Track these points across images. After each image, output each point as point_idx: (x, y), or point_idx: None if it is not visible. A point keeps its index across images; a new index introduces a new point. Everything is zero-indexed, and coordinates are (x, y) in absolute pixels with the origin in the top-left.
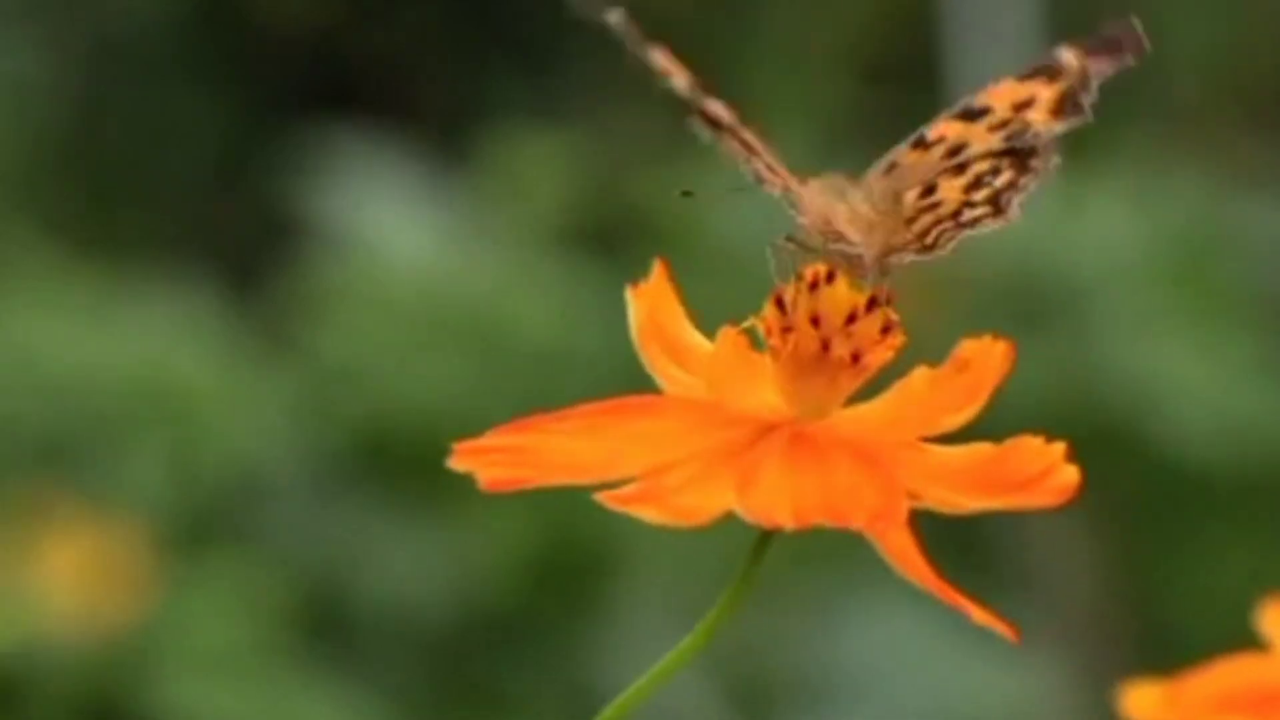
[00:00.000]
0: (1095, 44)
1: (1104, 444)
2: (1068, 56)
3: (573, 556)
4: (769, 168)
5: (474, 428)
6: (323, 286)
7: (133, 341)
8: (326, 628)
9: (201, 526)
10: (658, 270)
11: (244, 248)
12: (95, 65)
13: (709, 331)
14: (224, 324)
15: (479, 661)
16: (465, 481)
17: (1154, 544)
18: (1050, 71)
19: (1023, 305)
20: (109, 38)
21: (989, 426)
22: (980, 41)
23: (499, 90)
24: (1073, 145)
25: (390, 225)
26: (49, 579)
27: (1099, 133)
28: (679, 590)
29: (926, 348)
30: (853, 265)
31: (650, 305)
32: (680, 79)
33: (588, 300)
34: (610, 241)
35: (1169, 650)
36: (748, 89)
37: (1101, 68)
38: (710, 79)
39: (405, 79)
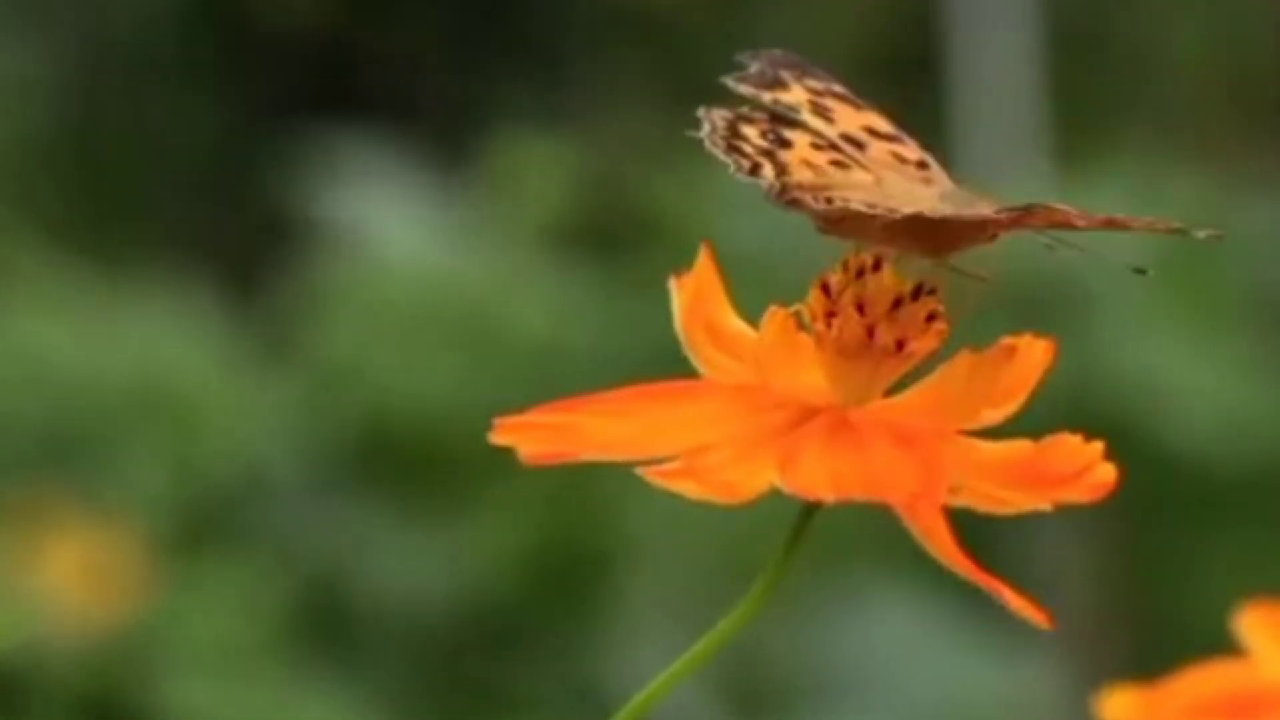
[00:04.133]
0: None
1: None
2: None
3: (573, 555)
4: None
5: (474, 428)
6: (323, 287)
7: (133, 341)
8: (326, 627)
9: (201, 526)
10: (703, 256)
11: (244, 248)
12: (95, 65)
13: None
14: (224, 324)
15: (479, 660)
16: (465, 481)
17: (1154, 541)
18: None
19: (1023, 304)
20: (108, 38)
21: (991, 427)
22: (981, 38)
23: (500, 91)
24: (1073, 145)
25: (391, 226)
26: (49, 578)
27: (1098, 133)
28: (679, 589)
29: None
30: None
31: (695, 291)
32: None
33: (587, 300)
34: (610, 242)
35: (1168, 648)
36: None
37: None
38: (707, 78)
39: (406, 80)
